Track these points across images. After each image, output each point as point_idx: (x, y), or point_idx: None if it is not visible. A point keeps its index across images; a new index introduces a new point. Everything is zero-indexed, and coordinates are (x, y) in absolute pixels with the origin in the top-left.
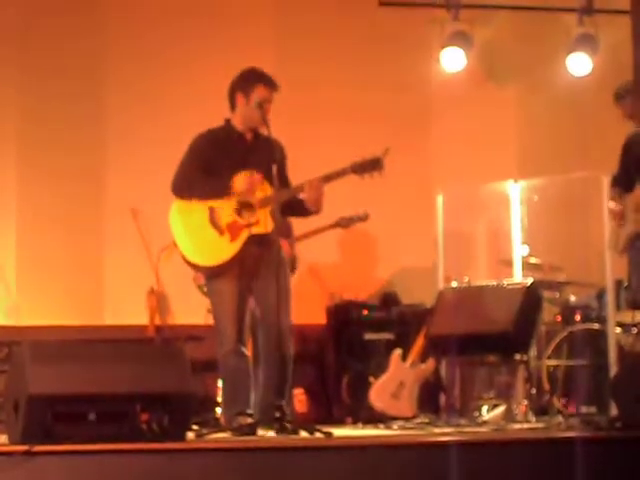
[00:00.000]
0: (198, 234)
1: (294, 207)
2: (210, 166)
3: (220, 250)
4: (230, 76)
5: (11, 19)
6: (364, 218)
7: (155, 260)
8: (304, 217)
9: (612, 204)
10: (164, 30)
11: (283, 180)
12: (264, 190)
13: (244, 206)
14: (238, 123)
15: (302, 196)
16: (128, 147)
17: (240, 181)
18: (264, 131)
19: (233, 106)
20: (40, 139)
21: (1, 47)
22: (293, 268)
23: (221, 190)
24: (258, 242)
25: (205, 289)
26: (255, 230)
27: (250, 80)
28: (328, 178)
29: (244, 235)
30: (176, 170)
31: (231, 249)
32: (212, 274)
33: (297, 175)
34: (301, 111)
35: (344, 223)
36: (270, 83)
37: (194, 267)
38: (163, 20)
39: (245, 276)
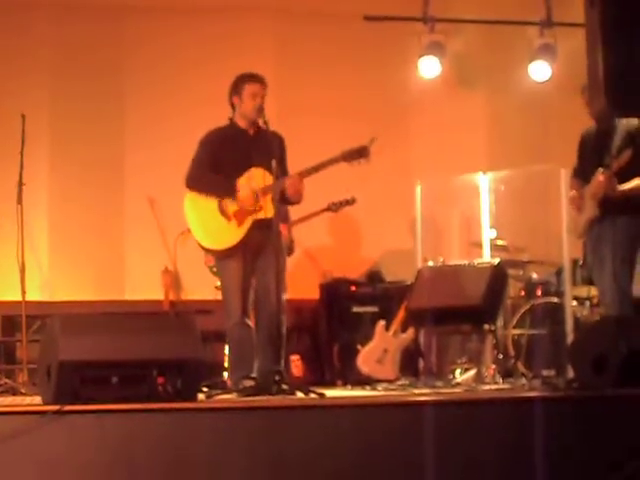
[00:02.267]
0: (209, 221)
1: (282, 197)
2: (218, 161)
3: (229, 235)
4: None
5: (44, 32)
6: (351, 202)
7: (171, 243)
8: (290, 205)
9: (572, 193)
10: (176, 39)
11: (283, 169)
12: (265, 180)
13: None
14: (240, 121)
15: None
16: (145, 137)
17: (243, 189)
18: (263, 124)
19: (233, 108)
20: (69, 134)
21: (35, 52)
22: (291, 250)
23: (226, 192)
24: (261, 226)
25: (214, 269)
26: (258, 216)
27: (239, 82)
28: (320, 167)
29: (249, 221)
30: (189, 166)
31: (238, 234)
32: (222, 256)
33: (294, 164)
34: (296, 109)
35: (334, 207)
36: (256, 79)
37: (207, 250)
38: (176, 31)
39: (249, 257)
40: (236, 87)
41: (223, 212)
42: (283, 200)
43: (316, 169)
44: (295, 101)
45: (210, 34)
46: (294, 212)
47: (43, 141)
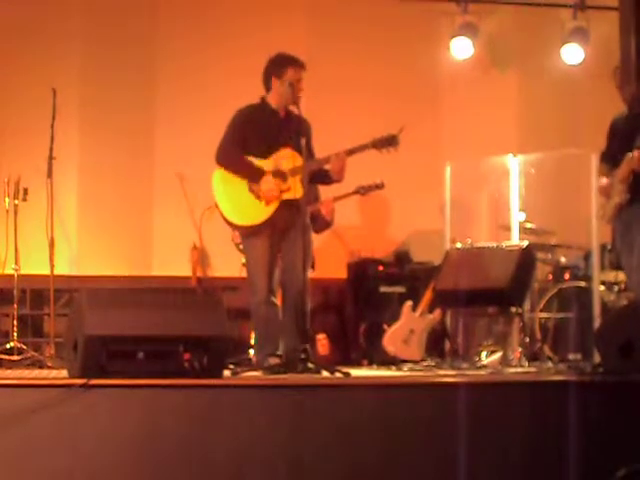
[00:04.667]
0: (238, 198)
1: (320, 176)
2: (248, 139)
3: (256, 212)
4: (267, 54)
5: (75, 0)
6: (380, 187)
7: (198, 219)
8: (328, 185)
9: (603, 181)
10: (210, 11)
11: (310, 153)
12: (294, 161)
13: (278, 175)
14: (273, 102)
15: (327, 167)
16: (176, 113)
17: (265, 183)
18: (294, 109)
19: (268, 88)
20: (100, 107)
21: (66, 22)
22: (331, 223)
23: (251, 179)
24: (289, 206)
25: (241, 246)
26: (286, 196)
27: (282, 64)
28: (351, 152)
29: (277, 200)
30: (220, 142)
31: (266, 212)
32: (248, 233)
33: (324, 142)
34: (328, 87)
35: (363, 191)
36: (299, 64)
37: (233, 226)
38: (209, 2)
39: (276, 235)
40: (277, 68)
41: (252, 190)
42: (324, 179)
43: (347, 153)
44: (326, 78)
45: (243, 8)
46: (323, 194)
47: (73, 115)
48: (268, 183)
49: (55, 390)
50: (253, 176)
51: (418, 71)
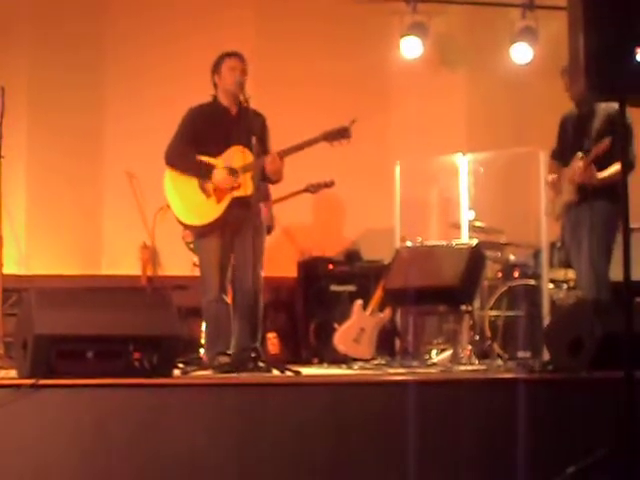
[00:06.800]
0: (189, 197)
1: (263, 175)
2: (199, 138)
3: (208, 211)
4: (216, 52)
5: (23, 1)
6: (330, 184)
7: (150, 219)
8: (271, 184)
9: (550, 176)
10: (157, 11)
11: (264, 148)
12: (245, 158)
13: (228, 172)
14: (222, 99)
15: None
16: (125, 113)
17: (218, 173)
18: (244, 101)
19: (215, 87)
20: (48, 107)
21: (15, 22)
22: (271, 228)
23: (202, 174)
24: (240, 204)
25: (192, 245)
26: (237, 193)
27: (218, 60)
28: (301, 146)
29: (228, 198)
30: (170, 142)
31: (217, 210)
32: (200, 232)
33: (274, 138)
34: (277, 83)
35: (312, 189)
36: (234, 54)
37: (186, 226)
38: (158, 3)
39: (228, 234)
40: (215, 66)
41: (203, 188)
42: (264, 178)
43: (296, 148)
44: (275, 76)
45: (192, 6)
46: (273, 192)
47: (22, 114)
48: (220, 174)
49: (4, 390)
50: (203, 172)
51: (368, 70)
